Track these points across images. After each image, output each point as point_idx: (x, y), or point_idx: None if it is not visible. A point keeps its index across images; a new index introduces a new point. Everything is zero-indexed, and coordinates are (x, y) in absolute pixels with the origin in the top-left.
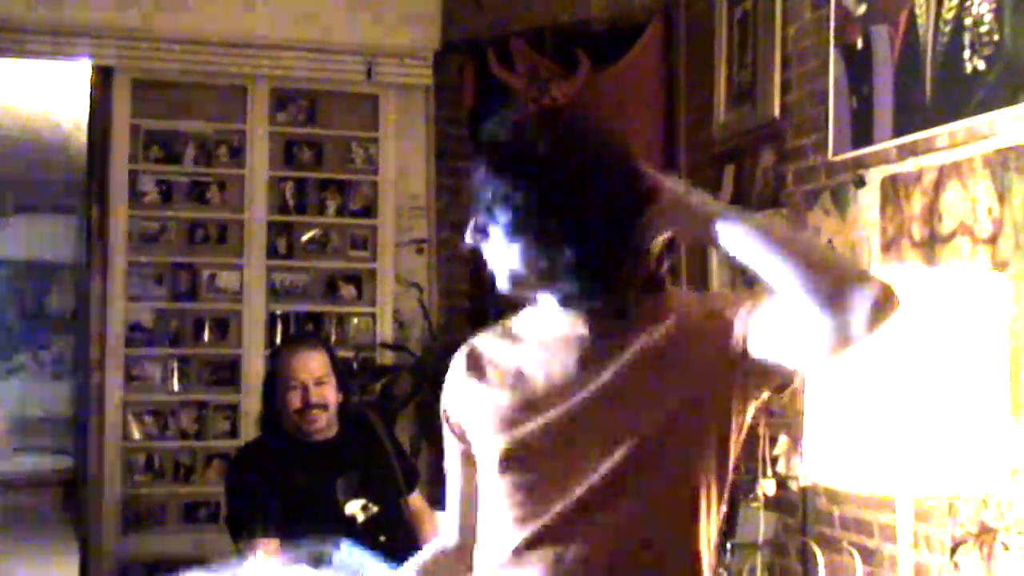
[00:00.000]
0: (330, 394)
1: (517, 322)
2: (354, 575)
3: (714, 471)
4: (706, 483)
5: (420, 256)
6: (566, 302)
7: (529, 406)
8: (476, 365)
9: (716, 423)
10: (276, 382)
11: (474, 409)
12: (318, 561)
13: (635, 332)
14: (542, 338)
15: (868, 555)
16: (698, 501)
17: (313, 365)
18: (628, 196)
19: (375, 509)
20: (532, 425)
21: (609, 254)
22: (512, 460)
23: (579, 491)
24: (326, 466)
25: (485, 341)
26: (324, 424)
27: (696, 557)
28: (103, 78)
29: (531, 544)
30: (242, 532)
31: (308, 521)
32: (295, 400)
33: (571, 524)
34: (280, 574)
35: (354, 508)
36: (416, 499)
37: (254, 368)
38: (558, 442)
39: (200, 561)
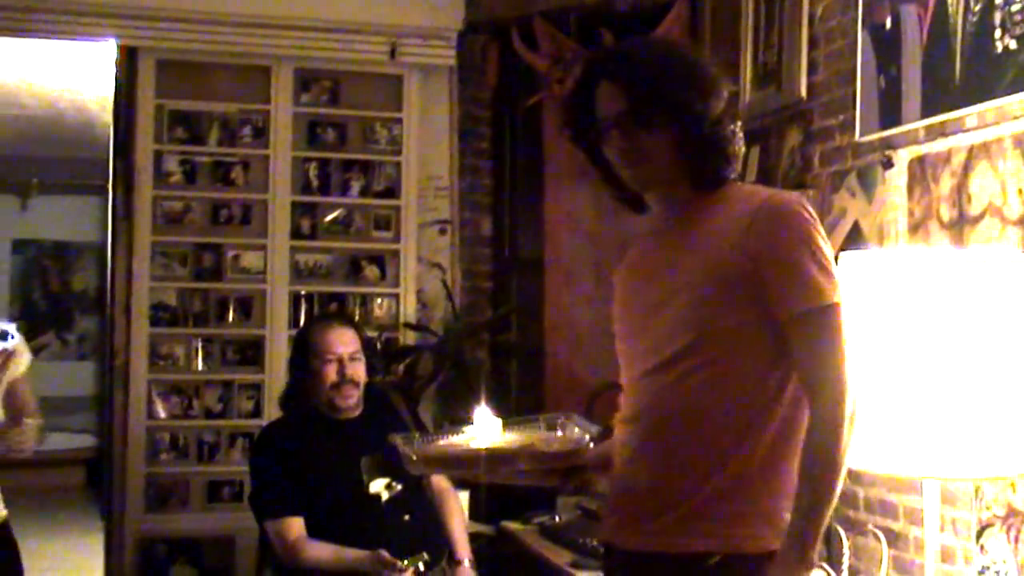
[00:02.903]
0: (361, 371)
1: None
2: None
3: None
4: None
5: (443, 237)
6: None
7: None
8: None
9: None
10: (310, 356)
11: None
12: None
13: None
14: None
15: (893, 538)
16: None
17: (348, 340)
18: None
19: (399, 487)
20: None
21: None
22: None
23: None
24: (350, 445)
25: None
26: (356, 401)
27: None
28: (128, 58)
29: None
30: (266, 511)
31: (332, 499)
32: (331, 374)
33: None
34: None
35: (378, 487)
36: (438, 478)
37: (278, 348)
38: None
39: (226, 540)
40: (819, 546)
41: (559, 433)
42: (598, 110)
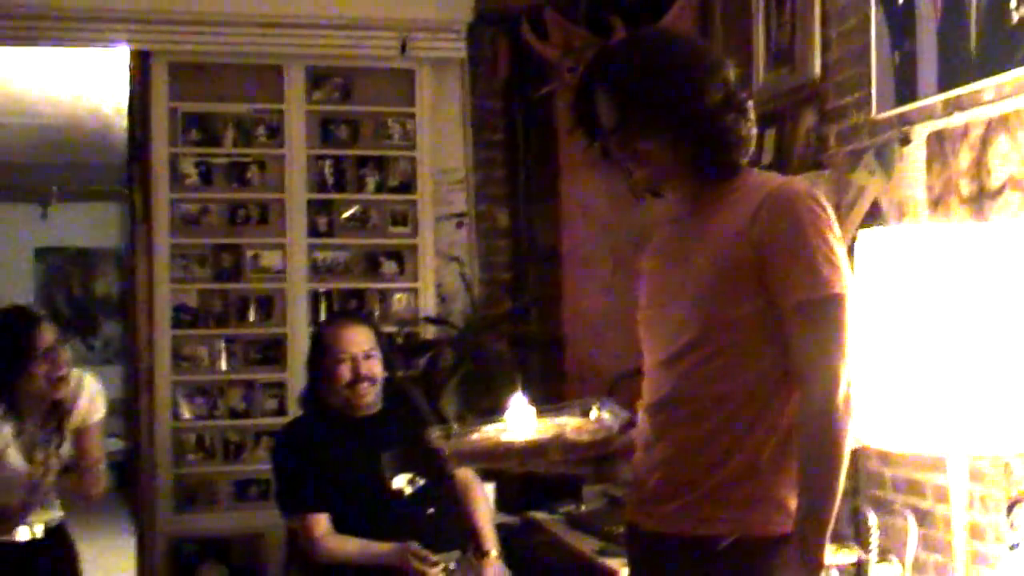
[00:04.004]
0: (377, 368)
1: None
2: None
3: None
4: None
5: (460, 230)
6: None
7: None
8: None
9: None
10: (324, 357)
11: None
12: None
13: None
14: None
15: (922, 516)
16: None
17: (361, 338)
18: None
19: (421, 482)
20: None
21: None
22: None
23: None
24: (371, 441)
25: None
26: (372, 398)
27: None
28: (141, 63)
29: None
30: (291, 508)
31: (356, 496)
32: (345, 373)
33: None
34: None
35: (401, 482)
36: (462, 470)
37: (299, 346)
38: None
39: (254, 537)
40: (827, 544)
41: (592, 417)
42: (599, 114)
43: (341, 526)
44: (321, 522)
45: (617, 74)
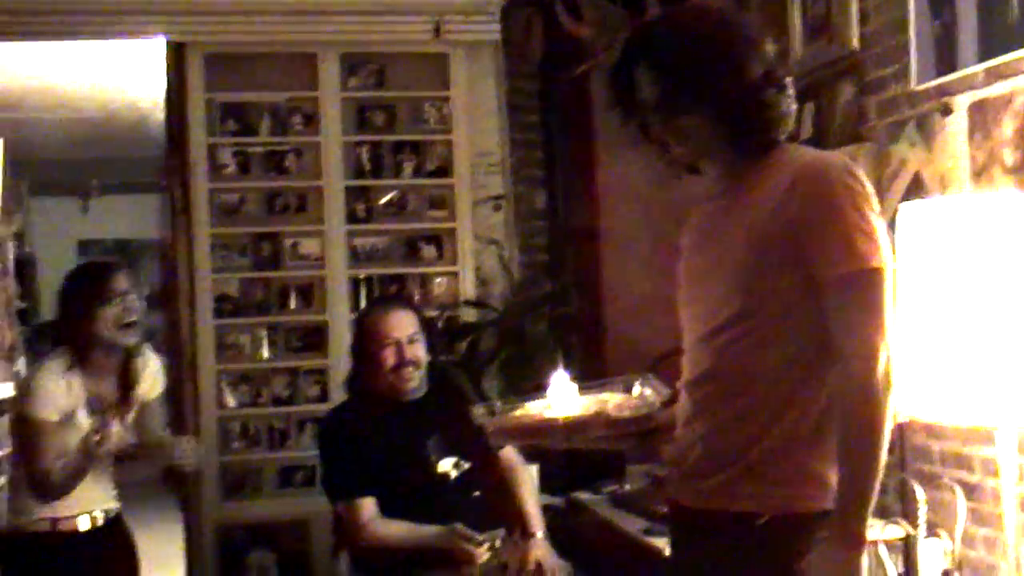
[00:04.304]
0: (421, 352)
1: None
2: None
3: None
4: None
5: (497, 212)
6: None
7: None
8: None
9: None
10: (368, 342)
11: None
12: (627, 391)
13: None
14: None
15: (970, 490)
16: None
17: (405, 323)
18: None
19: (467, 466)
20: None
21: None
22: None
23: None
24: (416, 426)
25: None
26: (417, 382)
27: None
28: (177, 55)
29: None
30: (338, 493)
31: (401, 481)
32: (390, 357)
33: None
34: (582, 400)
35: (446, 466)
36: (507, 453)
37: (341, 332)
38: None
39: (301, 523)
40: (868, 520)
41: (635, 393)
42: (638, 91)
43: (387, 510)
44: (367, 507)
45: (659, 49)
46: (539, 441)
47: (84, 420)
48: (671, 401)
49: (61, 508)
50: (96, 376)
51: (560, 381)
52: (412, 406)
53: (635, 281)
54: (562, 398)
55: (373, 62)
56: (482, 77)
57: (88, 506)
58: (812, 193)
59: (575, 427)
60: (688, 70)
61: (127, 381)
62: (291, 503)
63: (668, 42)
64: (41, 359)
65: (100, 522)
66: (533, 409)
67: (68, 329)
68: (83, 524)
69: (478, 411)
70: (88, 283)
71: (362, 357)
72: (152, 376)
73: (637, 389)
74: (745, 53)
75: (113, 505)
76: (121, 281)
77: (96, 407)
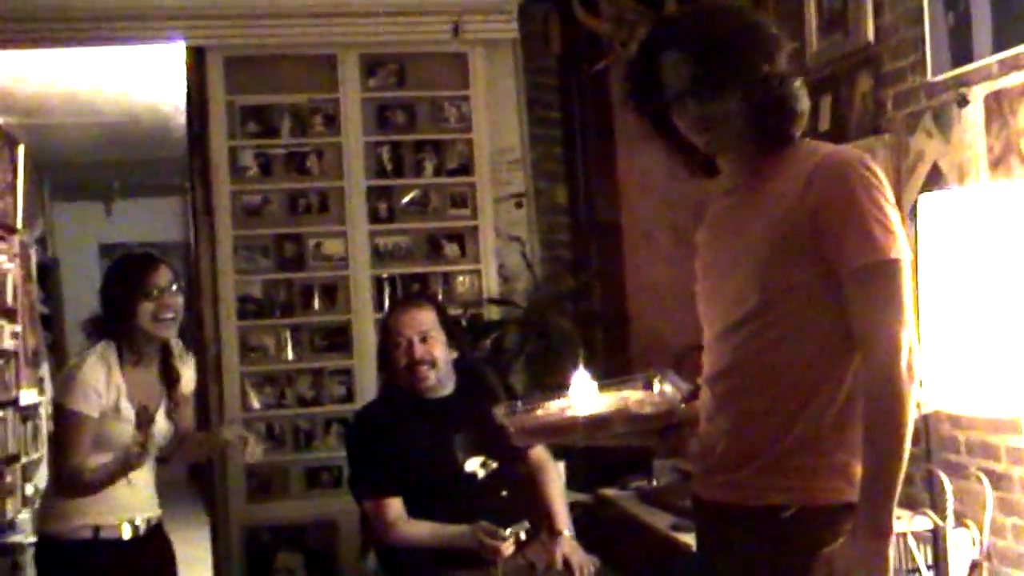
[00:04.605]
0: (437, 350)
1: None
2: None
3: None
4: None
5: (519, 209)
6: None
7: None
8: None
9: None
10: (385, 341)
11: None
12: (647, 387)
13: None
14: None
15: (997, 480)
16: None
17: (418, 321)
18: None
19: (494, 465)
20: None
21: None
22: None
23: None
24: (443, 423)
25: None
26: (434, 380)
27: None
28: (197, 58)
29: None
30: (365, 492)
31: (429, 479)
32: (400, 356)
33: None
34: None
35: (474, 465)
36: (537, 451)
37: (365, 332)
38: None
39: (328, 524)
40: (894, 510)
41: (656, 390)
42: (665, 79)
43: (414, 509)
44: (394, 506)
45: (693, 34)
46: (561, 439)
47: (129, 412)
48: (692, 396)
49: (104, 515)
50: (138, 370)
51: (581, 380)
52: (439, 404)
53: (658, 275)
54: (582, 396)
55: (392, 62)
56: (501, 75)
57: (130, 513)
58: (830, 186)
59: (596, 424)
60: (722, 55)
61: (171, 375)
62: (318, 504)
63: (702, 28)
64: (83, 352)
65: (142, 531)
66: (553, 408)
67: (109, 322)
68: (126, 532)
69: (499, 411)
70: (130, 276)
71: (384, 357)
72: (189, 370)
73: (657, 386)
74: (774, 44)
75: (155, 512)
76: (162, 275)
77: (141, 408)
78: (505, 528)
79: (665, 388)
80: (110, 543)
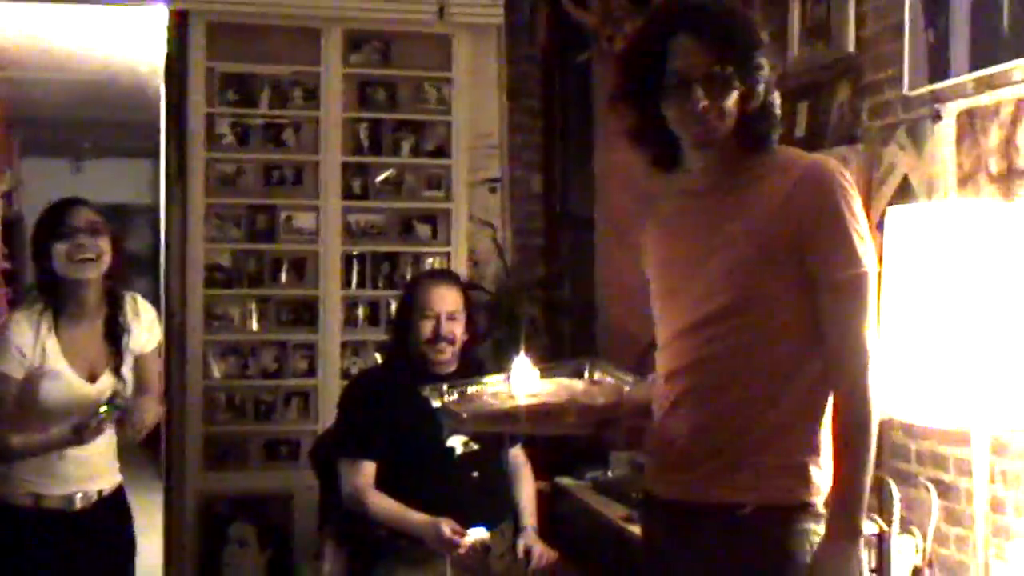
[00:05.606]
0: (459, 330)
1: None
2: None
3: None
4: None
5: (494, 195)
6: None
7: None
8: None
9: None
10: (411, 310)
11: None
12: (577, 375)
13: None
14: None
15: (944, 489)
16: None
17: (449, 299)
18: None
19: (475, 447)
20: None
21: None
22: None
23: None
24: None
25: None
26: (448, 357)
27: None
28: (179, 22)
29: None
30: (343, 450)
31: (408, 449)
32: (427, 329)
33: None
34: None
35: (455, 442)
36: (517, 451)
37: (331, 307)
38: None
39: (285, 497)
40: (864, 513)
41: (595, 378)
42: (673, 63)
43: (388, 476)
44: (367, 471)
45: (718, 22)
46: (507, 427)
47: (66, 371)
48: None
49: (48, 486)
50: (79, 327)
51: (521, 365)
52: (439, 380)
53: (629, 268)
54: (522, 381)
55: (377, 40)
56: (484, 60)
57: (79, 485)
58: (816, 195)
59: (546, 414)
60: (739, 49)
61: (114, 331)
62: (276, 477)
63: (724, 19)
64: (12, 311)
65: (94, 499)
66: (491, 389)
67: (41, 275)
68: (73, 504)
69: (428, 391)
70: (46, 219)
71: (403, 323)
72: (147, 326)
73: (587, 374)
74: (765, 50)
75: (112, 482)
76: (78, 215)
77: (82, 355)
78: (466, 521)
79: (606, 379)
80: (54, 513)
